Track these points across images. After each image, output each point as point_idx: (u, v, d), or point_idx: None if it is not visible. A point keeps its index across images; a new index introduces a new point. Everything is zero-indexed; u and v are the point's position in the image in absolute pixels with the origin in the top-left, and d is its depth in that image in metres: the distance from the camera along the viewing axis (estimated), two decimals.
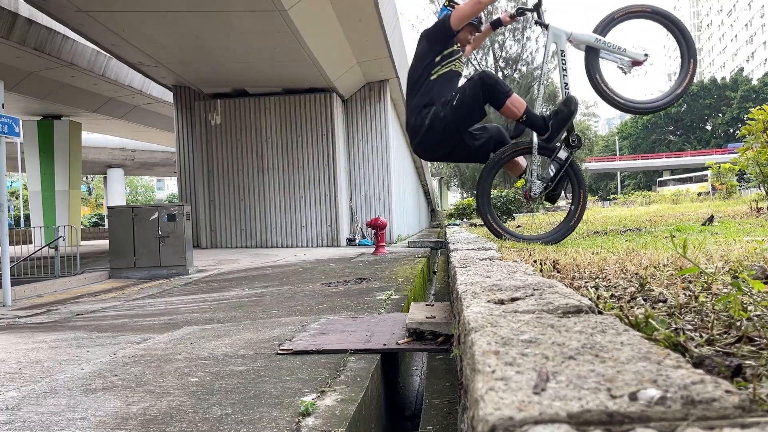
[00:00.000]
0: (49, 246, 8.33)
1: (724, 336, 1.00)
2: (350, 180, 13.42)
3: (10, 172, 32.91)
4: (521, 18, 4.19)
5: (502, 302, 1.26)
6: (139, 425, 1.58)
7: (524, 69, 31.05)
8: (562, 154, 3.75)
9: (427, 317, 2.42)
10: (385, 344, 2.36)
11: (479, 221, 11.86)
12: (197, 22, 8.83)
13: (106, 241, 8.72)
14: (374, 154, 13.38)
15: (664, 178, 52.59)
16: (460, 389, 1.40)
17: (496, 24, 4.13)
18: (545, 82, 4.23)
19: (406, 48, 15.08)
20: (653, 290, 1.47)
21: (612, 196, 54.85)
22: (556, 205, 4.31)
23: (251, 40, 9.56)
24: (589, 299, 1.30)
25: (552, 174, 3.76)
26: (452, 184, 44.20)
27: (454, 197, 54.17)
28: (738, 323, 1.06)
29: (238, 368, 2.16)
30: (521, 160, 3.94)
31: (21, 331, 3.72)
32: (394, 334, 2.55)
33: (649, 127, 65.89)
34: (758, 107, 5.70)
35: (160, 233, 7.69)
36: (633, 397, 0.62)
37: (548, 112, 3.80)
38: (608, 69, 3.94)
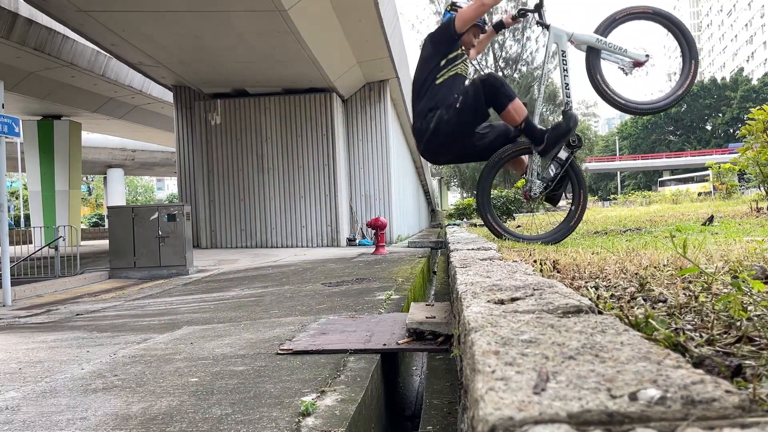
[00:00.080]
0: (49, 246, 8.33)
1: (724, 336, 1.00)
2: (350, 180, 13.42)
3: (10, 172, 32.92)
4: (523, 19, 4.19)
5: (502, 302, 1.26)
6: (139, 425, 1.58)
7: (524, 69, 31.06)
8: (563, 154, 3.75)
9: (427, 317, 2.42)
10: (385, 344, 2.36)
11: (479, 221, 11.86)
12: (197, 22, 8.83)
13: (106, 241, 8.73)
14: (374, 154, 13.38)
15: (665, 178, 52.59)
16: (460, 389, 1.40)
17: (499, 26, 4.14)
18: (545, 82, 4.23)
19: (406, 48, 15.09)
20: (653, 290, 1.47)
21: (612, 196, 54.84)
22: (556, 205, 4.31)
23: (251, 40, 9.55)
24: (589, 299, 1.30)
25: (552, 174, 3.76)
26: (452, 184, 44.21)
27: (454, 197, 54.16)
28: (738, 323, 1.06)
29: (238, 368, 2.16)
30: (525, 158, 3.94)
31: (21, 331, 3.72)
32: (394, 334, 2.55)
33: (649, 127, 65.90)
34: (758, 107, 5.70)
35: (160, 233, 7.69)
36: (633, 397, 0.62)
37: (550, 121, 3.80)
38: (609, 70, 3.94)
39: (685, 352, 0.90)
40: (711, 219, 5.01)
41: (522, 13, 4.07)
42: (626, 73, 3.90)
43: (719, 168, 17.62)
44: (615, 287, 1.58)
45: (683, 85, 3.86)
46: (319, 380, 1.92)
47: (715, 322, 1.07)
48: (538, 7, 3.93)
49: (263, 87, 12.37)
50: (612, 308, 1.24)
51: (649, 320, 1.04)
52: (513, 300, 1.27)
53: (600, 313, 1.11)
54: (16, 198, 39.89)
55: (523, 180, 3.95)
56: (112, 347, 2.81)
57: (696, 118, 63.91)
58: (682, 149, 62.62)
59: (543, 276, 1.77)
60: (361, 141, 13.39)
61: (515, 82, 28.92)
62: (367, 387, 1.84)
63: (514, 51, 31.43)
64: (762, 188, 7.06)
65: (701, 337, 0.99)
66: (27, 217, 26.52)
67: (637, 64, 3.83)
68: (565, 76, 3.84)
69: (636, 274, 1.78)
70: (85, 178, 51.44)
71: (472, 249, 3.09)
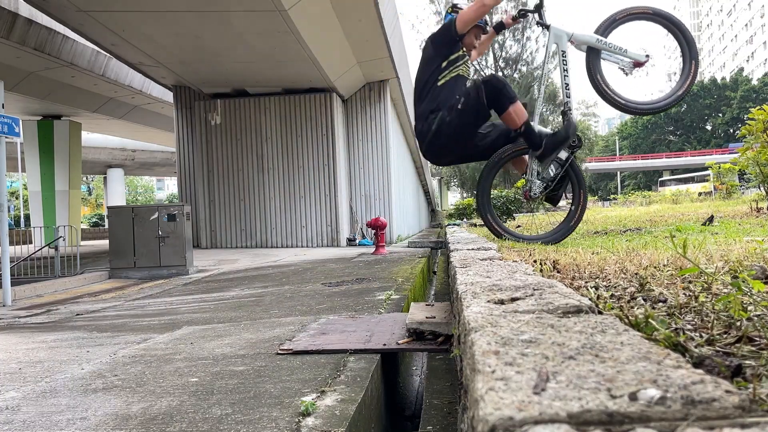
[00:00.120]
0: (49, 246, 8.33)
1: (724, 336, 1.00)
2: (350, 180, 13.42)
3: (10, 172, 32.92)
4: (523, 20, 4.20)
5: (502, 302, 1.26)
6: (139, 425, 1.58)
7: (524, 69, 31.07)
8: (563, 154, 3.76)
9: (427, 317, 2.42)
10: (385, 344, 2.36)
11: (479, 221, 11.86)
12: (197, 22, 8.83)
13: (106, 241, 8.72)
14: (374, 154, 13.38)
15: (666, 177, 52.58)
16: (460, 389, 1.40)
17: (499, 27, 4.14)
18: (545, 82, 4.24)
19: (406, 48, 15.08)
20: (653, 290, 1.47)
21: (612, 196, 54.84)
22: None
23: (251, 40, 9.55)
24: (589, 299, 1.30)
25: (552, 174, 3.76)
26: (452, 184, 44.22)
27: (454, 197, 54.17)
28: (738, 323, 1.06)
29: (238, 368, 2.16)
30: (526, 158, 3.94)
31: (21, 331, 3.72)
32: (394, 334, 2.55)
33: (649, 127, 65.90)
34: (758, 107, 5.70)
35: (160, 233, 7.69)
36: (633, 397, 0.62)
37: (550, 121, 3.80)
38: (609, 70, 3.95)
39: (685, 352, 0.90)
40: (711, 219, 5.01)
41: (522, 14, 4.07)
42: (626, 74, 3.90)
43: (719, 168, 17.61)
44: (615, 287, 1.58)
45: (683, 85, 3.86)
46: (319, 380, 1.92)
47: (715, 322, 1.07)
48: (538, 8, 3.93)
49: (263, 87, 12.37)
50: (612, 308, 1.24)
51: (649, 320, 1.04)
52: (513, 300, 1.27)
53: (600, 313, 1.11)
54: (16, 198, 39.90)
55: (523, 180, 3.96)
56: (112, 347, 2.81)
57: (696, 118, 63.92)
58: (682, 149, 62.62)
59: (543, 276, 1.77)
60: (361, 141, 13.38)
61: (515, 82, 28.93)
62: (367, 387, 1.84)
63: (514, 51, 31.44)
64: (762, 188, 7.06)
65: (701, 337, 0.99)
66: (27, 217, 26.53)
67: (638, 64, 3.83)
68: (565, 76, 3.84)
69: (636, 274, 1.78)
70: (85, 178, 51.45)
71: (472, 249, 3.09)
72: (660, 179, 53.26)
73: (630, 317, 1.12)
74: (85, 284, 7.26)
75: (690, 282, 1.57)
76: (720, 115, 62.37)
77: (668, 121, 64.67)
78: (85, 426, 1.60)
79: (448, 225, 13.96)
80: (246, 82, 12.01)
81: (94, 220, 47.66)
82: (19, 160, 23.34)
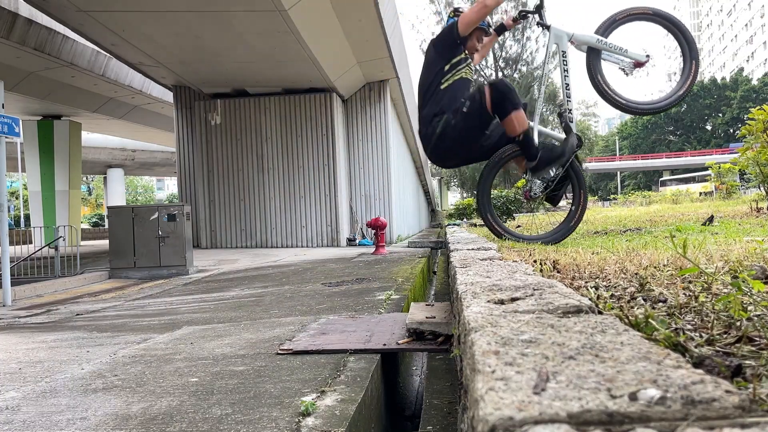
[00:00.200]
0: (49, 246, 8.33)
1: (724, 336, 1.00)
2: (350, 180, 13.42)
3: (10, 172, 32.92)
4: (524, 21, 4.20)
5: (502, 302, 1.26)
6: (139, 425, 1.58)
7: (524, 69, 31.07)
8: None
9: (427, 317, 2.42)
10: (385, 344, 2.36)
11: (479, 221, 11.86)
12: (197, 22, 8.83)
13: (106, 241, 8.72)
14: (374, 154, 13.38)
15: (667, 177, 52.56)
16: (460, 389, 1.40)
17: (501, 29, 4.14)
18: (546, 82, 4.24)
19: (406, 48, 15.08)
20: (653, 290, 1.47)
21: (612, 196, 54.85)
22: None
23: (251, 40, 9.55)
24: (589, 299, 1.30)
25: (552, 174, 3.76)
26: (452, 184, 44.22)
27: (454, 197, 54.17)
28: (738, 323, 1.06)
29: (238, 368, 2.16)
30: None
31: (21, 331, 3.72)
32: (394, 334, 2.55)
33: (649, 127, 65.90)
34: (758, 107, 5.70)
35: (160, 233, 7.69)
36: (633, 397, 0.62)
37: (550, 121, 3.79)
38: (609, 70, 3.95)
39: (685, 352, 0.90)
40: (711, 219, 5.01)
41: (523, 15, 4.07)
42: (627, 74, 3.90)
43: (719, 168, 17.62)
44: (615, 287, 1.58)
45: (684, 85, 3.86)
46: (319, 380, 1.92)
47: (715, 322, 1.07)
48: (539, 8, 3.94)
49: (263, 87, 12.37)
50: (612, 308, 1.24)
51: (649, 320, 1.04)
52: (513, 300, 1.27)
53: (600, 313, 1.11)
54: (16, 198, 39.90)
55: (524, 180, 3.96)
56: (112, 347, 2.81)
57: (696, 118, 63.92)
58: (682, 149, 62.62)
59: (543, 276, 1.77)
60: (361, 141, 13.39)
61: (515, 82, 28.93)
62: (367, 387, 1.84)
63: (514, 51, 31.45)
64: (762, 188, 7.07)
65: (701, 337, 0.99)
66: (27, 217, 26.53)
67: (638, 64, 3.84)
68: (565, 76, 3.85)
69: (636, 274, 1.78)
70: (85, 178, 51.46)
71: (472, 249, 3.09)
72: (661, 179, 53.26)
73: (630, 317, 1.12)
74: (85, 284, 7.26)
75: (690, 282, 1.57)
76: (720, 115, 62.37)
77: (668, 121, 64.67)
78: (85, 426, 1.60)
79: (448, 225, 13.96)
80: (246, 82, 12.01)
81: (94, 220, 47.67)
82: (19, 160, 23.35)
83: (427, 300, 5.88)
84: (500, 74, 30.65)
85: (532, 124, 3.71)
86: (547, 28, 3.91)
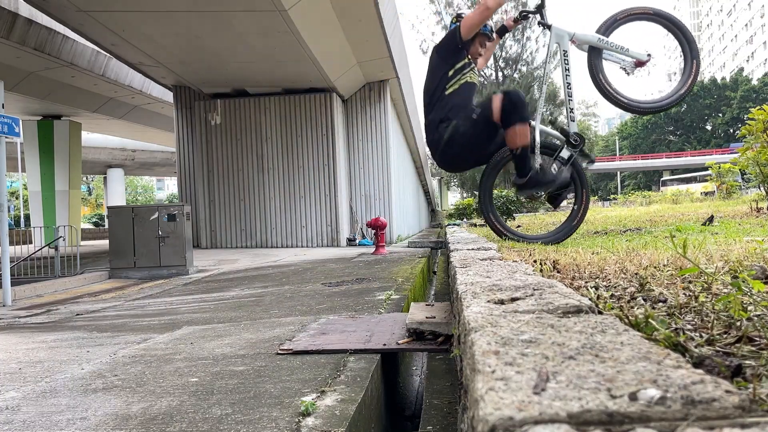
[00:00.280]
0: (49, 246, 8.33)
1: (724, 336, 1.00)
2: (350, 180, 13.42)
3: (10, 172, 32.92)
4: (524, 21, 4.20)
5: (502, 302, 1.26)
6: (139, 425, 1.58)
7: (524, 69, 31.06)
8: (565, 154, 3.75)
9: (427, 317, 2.42)
10: (385, 344, 2.36)
11: (479, 221, 11.86)
12: (197, 22, 8.83)
13: (106, 241, 8.72)
14: (374, 154, 13.38)
15: (667, 177, 52.53)
16: (460, 389, 1.40)
17: (502, 30, 4.14)
18: (547, 82, 4.24)
19: (406, 48, 15.08)
20: (653, 290, 1.47)
21: (612, 196, 54.86)
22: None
23: (251, 40, 9.56)
24: (589, 299, 1.30)
25: (554, 173, 3.76)
26: (452, 184, 44.23)
27: (454, 197, 54.20)
28: (738, 323, 1.06)
29: (238, 368, 2.16)
30: None
31: (21, 331, 3.72)
32: (394, 334, 2.55)
33: (649, 127, 65.91)
34: (758, 107, 5.70)
35: (160, 233, 7.69)
36: (633, 397, 0.62)
37: (550, 127, 3.77)
38: (610, 69, 3.95)
39: (685, 352, 0.90)
40: (711, 219, 5.01)
41: (524, 15, 4.07)
42: (628, 73, 3.90)
43: (719, 168, 17.62)
44: (615, 287, 1.58)
45: (685, 84, 3.86)
46: (319, 380, 1.92)
47: (715, 322, 1.07)
48: (540, 8, 3.93)
49: (263, 87, 12.37)
50: (612, 308, 1.24)
51: (649, 320, 1.04)
52: (513, 300, 1.27)
53: (600, 313, 1.11)
54: (16, 198, 39.91)
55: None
56: (112, 347, 2.81)
57: (696, 118, 63.92)
58: (682, 149, 62.62)
59: (543, 276, 1.77)
60: (361, 141, 13.39)
61: (515, 82, 28.93)
62: (367, 387, 1.84)
63: (514, 51, 31.43)
64: (762, 188, 7.07)
65: (701, 337, 0.99)
66: (27, 217, 26.54)
67: (639, 63, 3.83)
68: (566, 75, 3.85)
69: (636, 274, 1.78)
70: (85, 178, 51.47)
71: (472, 249, 3.09)
72: (662, 179, 53.22)
73: (630, 317, 1.12)
74: (85, 284, 7.26)
75: (690, 282, 1.57)
76: (720, 115, 62.37)
77: (668, 121, 64.68)
78: (85, 426, 1.60)
79: (448, 225, 13.96)
80: (246, 82, 12.01)
81: (94, 219, 47.67)
82: (19, 160, 23.35)
83: (427, 300, 5.88)
84: (500, 74, 30.66)
85: (533, 123, 3.70)
86: (548, 27, 3.91)
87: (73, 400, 1.86)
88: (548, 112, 28.77)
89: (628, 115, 73.33)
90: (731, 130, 60.26)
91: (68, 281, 7.11)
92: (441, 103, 3.73)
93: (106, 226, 13.85)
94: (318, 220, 12.57)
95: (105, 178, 36.26)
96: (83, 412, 1.72)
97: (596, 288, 1.57)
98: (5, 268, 5.56)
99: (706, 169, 22.67)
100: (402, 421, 2.64)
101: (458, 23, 3.80)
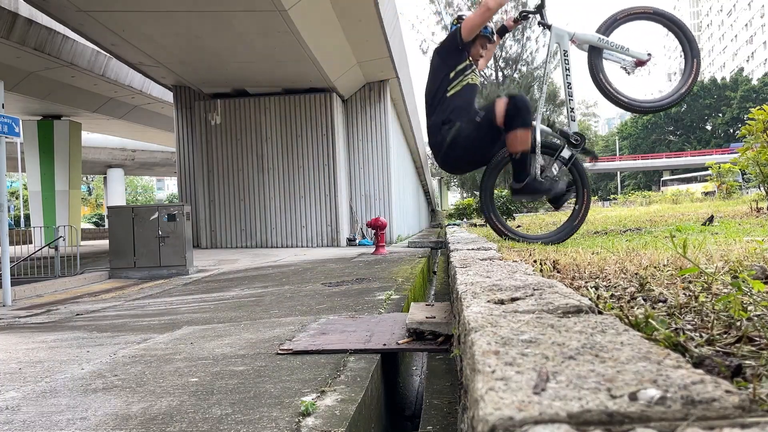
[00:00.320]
0: (49, 246, 8.33)
1: (724, 336, 1.00)
2: (350, 180, 13.42)
3: (10, 172, 32.92)
4: (524, 21, 4.20)
5: (502, 302, 1.26)
6: (139, 425, 1.58)
7: (524, 69, 31.04)
8: (566, 153, 3.75)
9: (427, 317, 2.42)
10: (385, 344, 2.36)
11: (479, 221, 11.86)
12: (197, 22, 8.83)
13: (106, 241, 8.72)
14: (374, 154, 13.38)
15: (668, 177, 52.52)
16: (460, 389, 1.40)
17: (502, 31, 4.14)
18: (547, 81, 4.24)
19: (406, 48, 15.08)
20: (653, 290, 1.47)
21: (612, 196, 54.85)
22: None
23: (251, 40, 9.56)
24: (589, 299, 1.30)
25: (555, 173, 3.76)
26: (452, 184, 44.22)
27: (454, 197, 54.20)
28: (738, 323, 1.06)
29: (238, 368, 2.16)
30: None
31: (21, 331, 3.72)
32: (394, 334, 2.55)
33: (649, 127, 65.91)
34: (758, 107, 5.71)
35: (160, 233, 7.69)
36: (633, 397, 0.62)
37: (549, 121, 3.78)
38: (610, 69, 3.95)
39: (685, 352, 0.90)
40: (711, 219, 5.01)
41: (524, 15, 4.07)
42: (629, 72, 3.90)
43: (719, 168, 17.63)
44: (615, 287, 1.58)
45: (686, 83, 3.86)
46: (319, 380, 1.92)
47: (715, 322, 1.07)
48: (540, 8, 3.93)
49: (263, 87, 12.37)
50: (612, 308, 1.24)
51: (649, 320, 1.04)
52: (513, 300, 1.27)
53: (600, 313, 1.11)
54: (16, 198, 39.91)
55: None
56: (112, 347, 2.81)
57: (696, 118, 63.92)
58: (682, 149, 62.62)
59: (543, 276, 1.77)
60: (361, 141, 13.39)
61: (515, 82, 28.92)
62: (367, 387, 1.84)
63: (514, 51, 31.41)
64: (762, 188, 7.07)
65: (701, 337, 0.99)
66: (27, 217, 26.54)
67: (640, 63, 3.83)
68: (567, 75, 3.84)
69: (636, 274, 1.78)
70: (85, 178, 51.47)
71: (472, 249, 3.09)
72: (662, 179, 53.23)
73: (630, 317, 1.12)
74: (85, 284, 7.26)
75: (690, 282, 1.57)
76: (720, 115, 62.37)
77: (668, 121, 64.68)
78: (85, 426, 1.60)
79: (448, 225, 13.97)
80: (246, 82, 12.01)
81: (94, 219, 47.68)
82: (19, 160, 23.35)
83: (427, 300, 5.88)
84: (500, 74, 30.64)
85: (534, 123, 3.70)
86: (548, 27, 3.91)
87: (73, 400, 1.86)
88: (548, 113, 28.77)
89: (628, 115, 73.36)
90: (731, 130, 60.26)
91: (68, 281, 7.11)
92: (443, 105, 3.73)
93: (106, 226, 13.85)
94: (318, 220, 12.57)
95: (105, 178, 36.27)
96: (83, 412, 1.72)
97: (596, 288, 1.57)
98: (5, 268, 5.56)
99: (706, 169, 22.68)
100: (402, 421, 2.64)
101: (459, 25, 3.80)
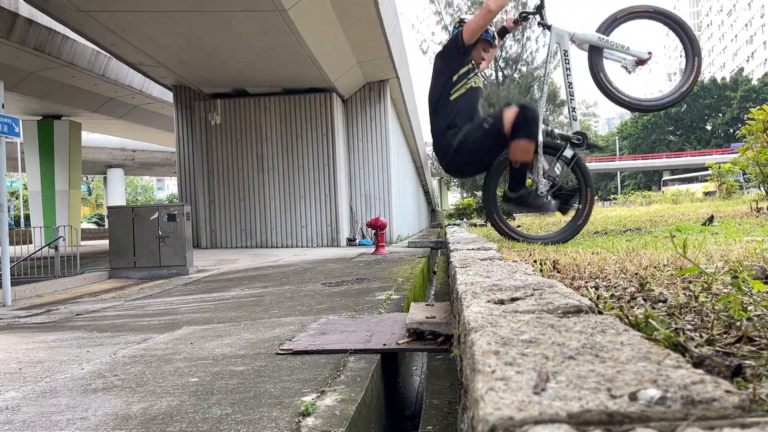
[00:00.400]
0: (49, 246, 8.33)
1: (724, 336, 1.00)
2: (350, 180, 13.42)
3: (10, 172, 32.92)
4: (525, 22, 4.19)
5: (502, 302, 1.26)
6: (139, 425, 1.58)
7: (524, 69, 31.03)
8: (568, 153, 3.74)
9: (427, 317, 2.42)
10: (385, 344, 2.36)
11: (479, 221, 11.86)
12: (197, 22, 8.83)
13: (106, 241, 8.72)
14: (374, 154, 13.38)
15: (668, 177, 52.48)
16: (460, 389, 1.40)
17: (503, 32, 4.13)
18: (547, 81, 4.24)
19: (406, 48, 15.08)
20: (653, 290, 1.47)
21: (612, 196, 54.86)
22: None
23: (251, 40, 9.56)
24: (589, 299, 1.30)
25: (558, 172, 3.76)
26: (452, 184, 44.17)
27: (454, 197, 54.18)
28: (738, 323, 1.06)
29: (238, 368, 2.16)
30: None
31: (21, 331, 3.72)
32: (394, 334, 2.55)
33: (649, 127, 65.90)
34: (758, 107, 5.71)
35: (160, 233, 7.69)
36: (633, 397, 0.62)
37: (549, 121, 3.79)
38: (611, 68, 3.95)
39: (685, 352, 0.90)
40: (711, 219, 5.01)
41: (524, 16, 4.07)
42: (629, 71, 3.89)
43: (719, 168, 17.63)
44: (615, 287, 1.58)
45: (687, 82, 3.86)
46: (319, 380, 1.92)
47: (715, 322, 1.07)
48: (539, 8, 3.93)
49: (263, 87, 12.37)
50: (612, 308, 1.24)
51: (649, 320, 1.04)
52: (513, 300, 1.27)
53: (600, 313, 1.11)
54: (16, 198, 39.91)
55: (530, 180, 3.94)
56: (112, 347, 2.81)
57: (696, 118, 63.91)
58: (682, 149, 62.61)
59: (543, 276, 1.77)
60: (361, 141, 13.39)
61: (515, 82, 28.90)
62: (367, 387, 1.84)
63: (514, 51, 31.38)
64: (762, 188, 7.07)
65: (701, 337, 0.99)
66: (27, 217, 26.54)
67: (640, 62, 3.83)
68: (567, 75, 3.84)
69: (636, 274, 1.78)
70: (85, 178, 51.48)
71: (472, 249, 3.09)
72: (663, 179, 53.20)
73: (630, 317, 1.12)
74: (85, 284, 7.26)
75: (690, 282, 1.57)
76: (720, 115, 62.36)
77: (668, 121, 64.68)
78: (85, 426, 1.60)
79: (448, 225, 13.97)
80: (246, 82, 12.01)
81: (94, 219, 47.68)
82: (19, 160, 23.36)
83: (427, 300, 5.88)
84: (500, 74, 30.63)
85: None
86: (548, 27, 3.91)
87: (73, 400, 1.86)
88: (548, 113, 28.74)
89: (628, 115, 73.38)
90: (731, 130, 60.25)
91: (68, 281, 7.11)
92: (446, 109, 3.72)
93: (106, 226, 13.85)
94: (318, 220, 12.57)
95: (105, 178, 36.28)
96: (83, 412, 1.72)
97: (596, 288, 1.57)
98: (5, 268, 5.56)
99: (706, 169, 22.69)
100: (402, 421, 2.64)
101: (461, 28, 3.80)
